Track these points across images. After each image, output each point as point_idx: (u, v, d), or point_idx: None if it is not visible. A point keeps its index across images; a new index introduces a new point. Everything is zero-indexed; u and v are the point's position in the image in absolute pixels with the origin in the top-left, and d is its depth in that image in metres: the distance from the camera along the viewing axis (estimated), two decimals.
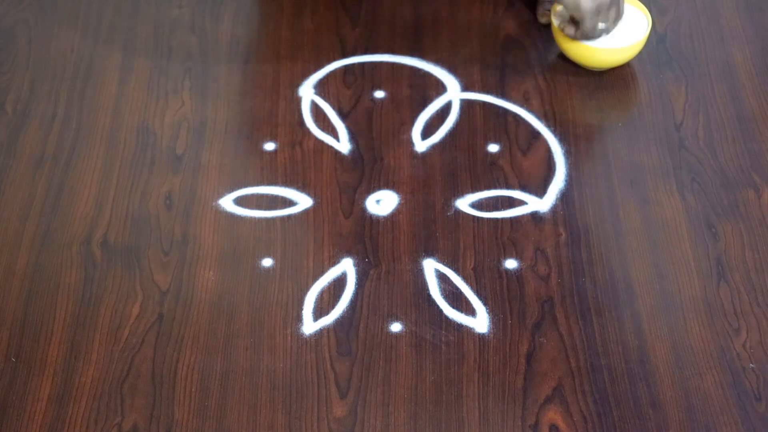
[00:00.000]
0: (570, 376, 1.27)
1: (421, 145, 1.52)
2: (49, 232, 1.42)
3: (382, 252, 1.40)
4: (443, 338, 1.31)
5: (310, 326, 1.33)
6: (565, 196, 1.46)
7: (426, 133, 1.54)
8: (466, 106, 1.57)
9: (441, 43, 1.66)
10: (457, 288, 1.36)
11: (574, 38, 1.55)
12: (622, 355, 1.29)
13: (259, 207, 1.46)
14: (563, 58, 1.62)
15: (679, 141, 1.52)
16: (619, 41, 1.57)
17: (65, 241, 1.42)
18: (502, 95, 1.58)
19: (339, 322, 1.33)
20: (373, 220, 1.44)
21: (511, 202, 1.45)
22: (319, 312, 1.34)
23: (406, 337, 1.31)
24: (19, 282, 1.37)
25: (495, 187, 1.47)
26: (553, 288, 1.36)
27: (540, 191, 1.47)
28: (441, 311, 1.34)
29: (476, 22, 1.69)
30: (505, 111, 1.57)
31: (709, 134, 1.53)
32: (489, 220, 1.43)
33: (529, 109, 1.56)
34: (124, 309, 1.34)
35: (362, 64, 1.63)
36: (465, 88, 1.60)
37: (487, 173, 1.49)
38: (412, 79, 1.61)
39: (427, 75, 1.61)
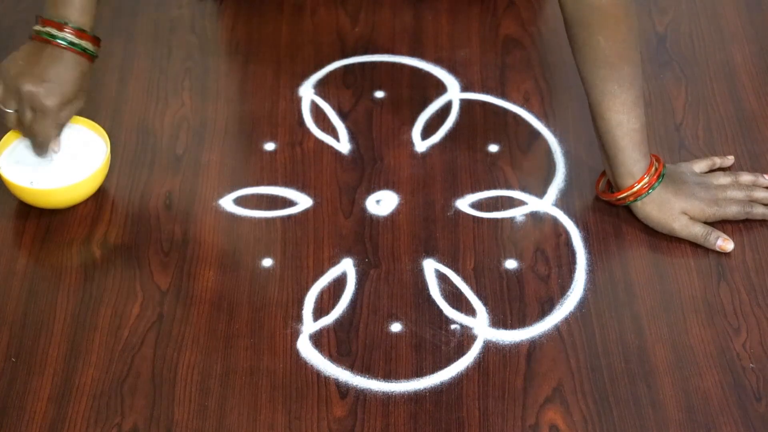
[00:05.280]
0: (570, 376, 1.27)
1: (421, 145, 1.52)
2: (49, 232, 1.42)
3: (382, 252, 1.40)
4: (443, 338, 1.31)
5: (310, 326, 1.33)
6: (565, 196, 1.46)
7: (426, 133, 1.54)
8: (466, 106, 1.57)
9: (441, 43, 1.66)
10: (457, 288, 1.36)
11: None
12: (622, 355, 1.29)
13: (259, 207, 1.45)
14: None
15: (679, 141, 1.52)
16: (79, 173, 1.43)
17: (65, 241, 1.41)
18: (502, 95, 1.58)
19: (339, 322, 1.33)
20: (373, 220, 1.44)
21: (511, 202, 1.45)
22: (319, 312, 1.34)
23: (406, 337, 1.31)
24: (19, 282, 1.37)
25: (495, 187, 1.47)
26: (553, 288, 1.36)
27: (540, 191, 1.47)
28: (441, 311, 1.34)
29: (476, 21, 1.69)
30: (505, 111, 1.57)
31: (709, 134, 1.53)
32: (489, 220, 1.43)
33: (529, 109, 1.56)
34: (124, 309, 1.34)
35: (362, 64, 1.63)
36: (465, 88, 1.60)
37: (487, 173, 1.49)
38: (412, 79, 1.61)
39: (427, 75, 1.61)
